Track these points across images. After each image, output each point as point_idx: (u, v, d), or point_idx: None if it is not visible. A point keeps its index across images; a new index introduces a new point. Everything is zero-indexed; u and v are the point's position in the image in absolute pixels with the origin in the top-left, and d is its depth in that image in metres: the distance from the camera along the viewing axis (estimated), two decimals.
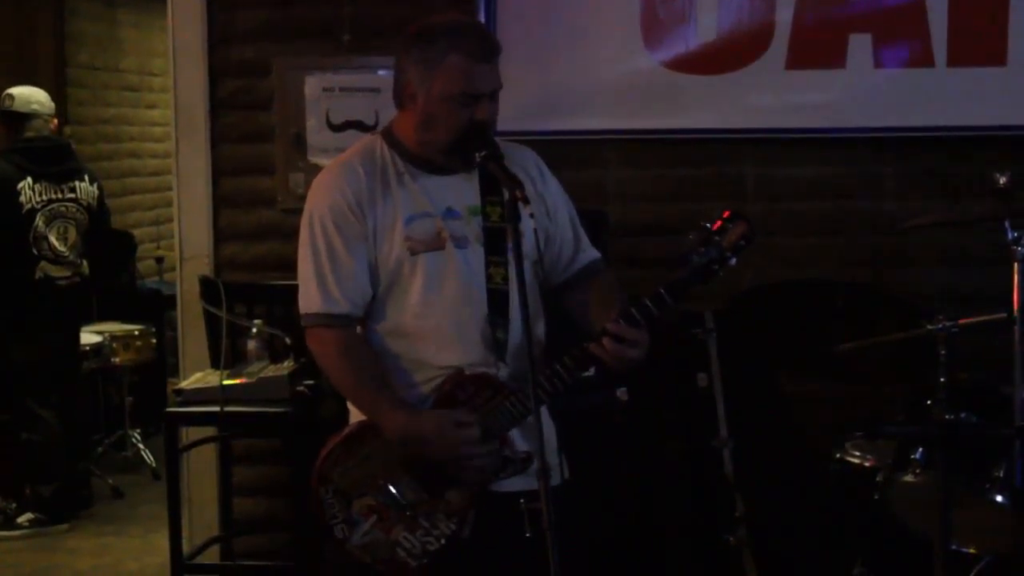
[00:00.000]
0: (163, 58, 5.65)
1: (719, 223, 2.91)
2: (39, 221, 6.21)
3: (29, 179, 6.21)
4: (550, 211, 3.18)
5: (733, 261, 2.91)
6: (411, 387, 3.06)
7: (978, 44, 4.69)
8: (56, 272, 6.31)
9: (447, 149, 3.04)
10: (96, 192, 6.55)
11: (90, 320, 6.97)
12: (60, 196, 6.33)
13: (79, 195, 6.42)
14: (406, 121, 3.10)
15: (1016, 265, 3.53)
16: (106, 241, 6.77)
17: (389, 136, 3.14)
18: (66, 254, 6.34)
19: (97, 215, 6.55)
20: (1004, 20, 4.64)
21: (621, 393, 4.27)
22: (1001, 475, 3.45)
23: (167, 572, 4.76)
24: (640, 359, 2.93)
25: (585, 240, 3.28)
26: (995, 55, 4.67)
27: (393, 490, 3.03)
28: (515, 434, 3.02)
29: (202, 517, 5.14)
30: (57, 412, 6.37)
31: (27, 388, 6.34)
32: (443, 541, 3.03)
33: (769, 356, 4.52)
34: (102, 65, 8.83)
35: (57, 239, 6.30)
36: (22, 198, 6.18)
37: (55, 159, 6.37)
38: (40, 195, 6.25)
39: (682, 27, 4.78)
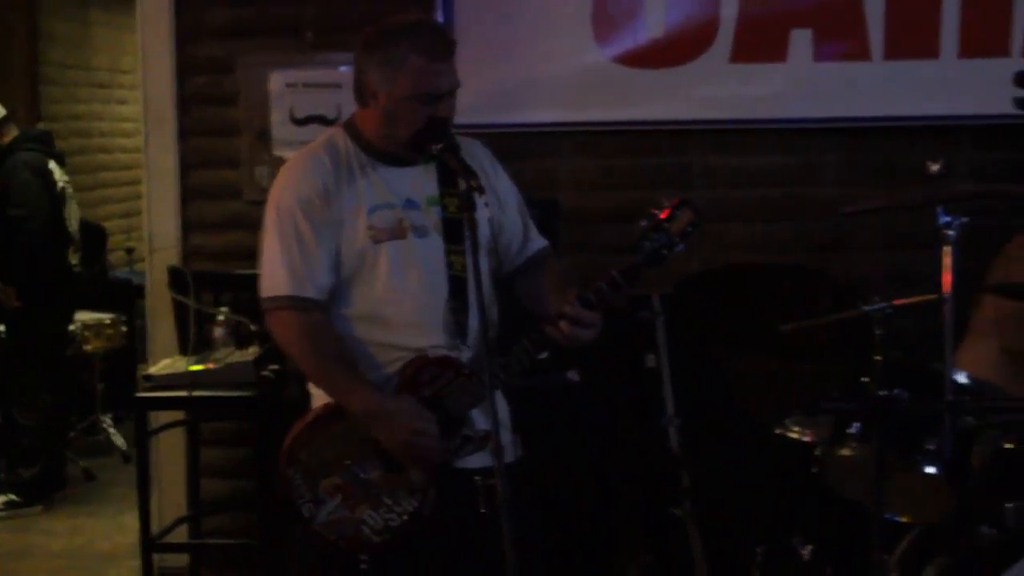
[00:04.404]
0: (133, 56, 5.69)
1: (667, 211, 3.01)
2: (71, 202, 6.25)
3: (52, 160, 6.23)
4: (501, 202, 3.27)
5: (681, 247, 3.02)
6: (375, 369, 3.12)
7: (913, 38, 4.75)
8: (73, 259, 6.39)
9: (407, 143, 3.12)
10: None
11: None
12: (67, 179, 6.37)
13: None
14: (367, 117, 3.17)
15: (946, 248, 3.51)
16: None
17: (351, 129, 3.21)
18: (76, 236, 6.41)
19: None
20: (937, 14, 4.71)
21: (572, 374, 4.30)
22: (932, 448, 3.48)
23: (137, 551, 4.81)
24: (593, 339, 3.03)
25: (533, 229, 3.37)
26: (928, 48, 4.74)
27: (358, 469, 3.09)
28: (474, 413, 3.10)
29: (171, 498, 5.19)
30: (55, 396, 6.42)
31: (35, 372, 6.39)
32: (405, 517, 3.09)
33: (714, 337, 4.52)
34: (74, 63, 8.81)
35: (75, 219, 6.37)
36: (55, 176, 6.19)
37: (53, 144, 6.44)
38: (61, 176, 6.28)
39: (631, 23, 4.84)
